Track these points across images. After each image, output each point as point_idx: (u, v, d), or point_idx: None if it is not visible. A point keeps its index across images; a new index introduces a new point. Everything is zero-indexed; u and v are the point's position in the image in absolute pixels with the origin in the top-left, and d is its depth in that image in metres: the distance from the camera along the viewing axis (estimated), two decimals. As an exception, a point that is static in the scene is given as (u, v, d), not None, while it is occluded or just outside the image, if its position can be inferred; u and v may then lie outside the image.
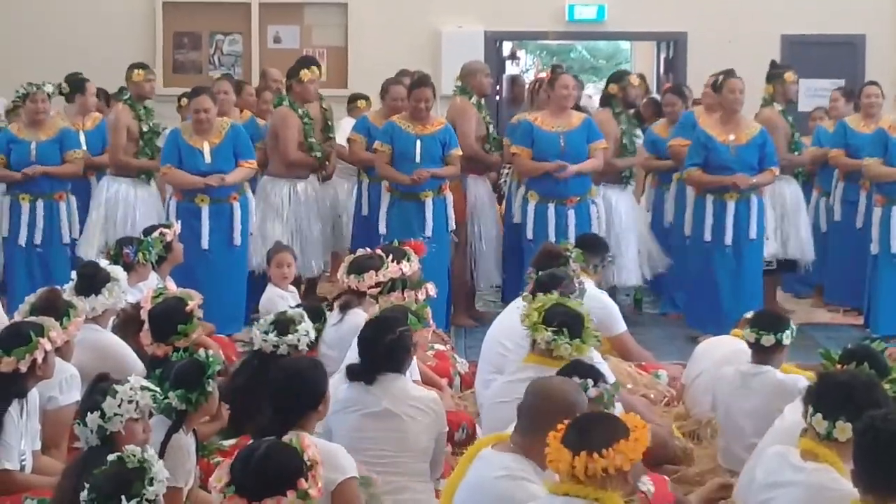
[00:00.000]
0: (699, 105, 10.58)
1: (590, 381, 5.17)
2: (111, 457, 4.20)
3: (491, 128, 10.26)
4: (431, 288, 7.18)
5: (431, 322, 6.51)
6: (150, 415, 4.81)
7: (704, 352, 7.04)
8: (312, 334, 6.37)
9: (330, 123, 10.38)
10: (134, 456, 4.14)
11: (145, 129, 9.95)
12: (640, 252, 10.16)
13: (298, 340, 6.20)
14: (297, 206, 9.99)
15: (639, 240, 10.17)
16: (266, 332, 6.20)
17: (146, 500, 4.07)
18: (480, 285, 10.27)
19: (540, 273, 6.97)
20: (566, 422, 4.02)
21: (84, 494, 4.10)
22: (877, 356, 5.49)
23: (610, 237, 9.62)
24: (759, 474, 4.72)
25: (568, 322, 5.81)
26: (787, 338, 6.18)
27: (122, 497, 4.03)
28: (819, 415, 4.50)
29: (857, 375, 4.73)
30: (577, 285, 6.75)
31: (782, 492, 4.54)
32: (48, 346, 5.19)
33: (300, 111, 10.00)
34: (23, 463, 5.10)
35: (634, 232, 10.13)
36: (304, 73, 9.95)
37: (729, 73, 9.79)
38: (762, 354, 6.20)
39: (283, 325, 6.24)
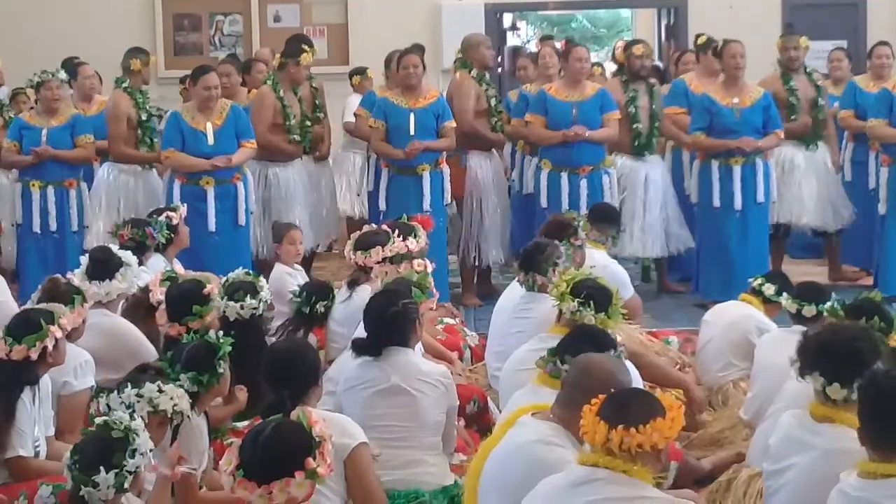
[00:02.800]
0: (689, 72, 10.50)
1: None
2: (98, 420, 4.20)
3: (493, 101, 9.99)
4: (426, 263, 7.11)
5: (435, 291, 6.50)
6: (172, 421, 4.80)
7: (713, 319, 7.00)
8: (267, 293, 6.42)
9: (318, 103, 10.23)
10: (121, 423, 4.13)
11: (144, 116, 9.82)
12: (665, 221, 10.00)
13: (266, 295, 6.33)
14: (266, 190, 9.80)
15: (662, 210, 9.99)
16: (236, 301, 6.21)
17: (126, 471, 4.06)
18: (490, 262, 10.09)
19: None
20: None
21: (67, 456, 4.10)
22: (882, 309, 5.47)
23: (633, 207, 9.63)
24: (775, 440, 4.67)
25: (595, 295, 5.75)
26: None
27: (102, 467, 4.03)
28: (816, 373, 4.44)
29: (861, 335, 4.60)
30: (563, 251, 6.70)
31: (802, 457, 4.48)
32: (59, 334, 5.18)
33: (280, 94, 9.83)
34: (37, 449, 5.12)
35: (658, 203, 9.97)
36: (305, 57, 9.84)
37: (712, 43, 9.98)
38: (803, 325, 6.10)
39: (249, 286, 6.30)
